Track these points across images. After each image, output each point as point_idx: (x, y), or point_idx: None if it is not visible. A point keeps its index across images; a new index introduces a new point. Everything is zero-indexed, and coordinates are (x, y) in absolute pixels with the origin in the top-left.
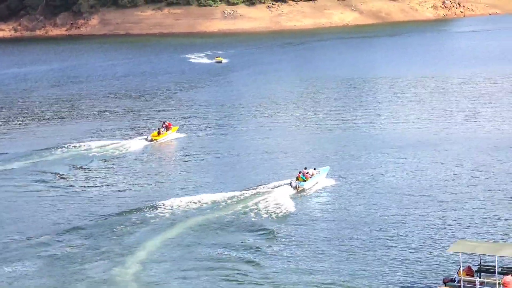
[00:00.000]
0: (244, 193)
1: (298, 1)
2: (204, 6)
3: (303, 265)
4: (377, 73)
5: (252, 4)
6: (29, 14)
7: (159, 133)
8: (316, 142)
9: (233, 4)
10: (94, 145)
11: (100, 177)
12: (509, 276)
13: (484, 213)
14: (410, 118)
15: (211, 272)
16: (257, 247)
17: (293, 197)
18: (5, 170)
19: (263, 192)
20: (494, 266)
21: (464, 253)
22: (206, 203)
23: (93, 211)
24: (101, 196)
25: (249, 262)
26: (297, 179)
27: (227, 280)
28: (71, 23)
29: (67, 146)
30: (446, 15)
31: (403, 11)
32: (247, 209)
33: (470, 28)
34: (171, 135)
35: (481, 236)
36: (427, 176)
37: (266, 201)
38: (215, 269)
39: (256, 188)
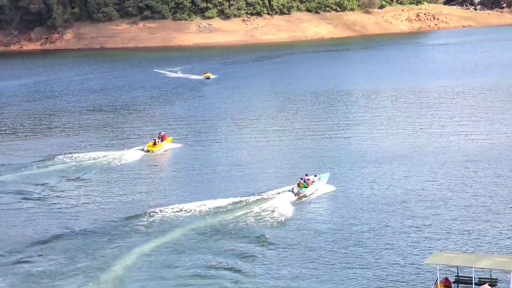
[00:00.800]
0: (246, 200)
1: (273, 14)
2: (179, 20)
3: (283, 272)
4: (352, 86)
5: (227, 17)
6: (4, 29)
7: (155, 143)
8: (295, 154)
9: (208, 18)
10: (89, 157)
11: (92, 189)
12: (485, 286)
13: (461, 224)
14: (385, 130)
15: (194, 281)
16: (252, 253)
17: (295, 203)
18: None
19: (265, 199)
20: (471, 277)
21: (441, 264)
22: (206, 210)
23: (75, 223)
24: (88, 208)
25: (240, 269)
26: (299, 185)
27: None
28: (46, 38)
29: (54, 159)
30: (421, 27)
31: (377, 24)
32: (249, 215)
33: (444, 40)
34: (166, 146)
35: (459, 247)
36: (403, 188)
37: (268, 207)
38: (203, 277)
39: (258, 195)
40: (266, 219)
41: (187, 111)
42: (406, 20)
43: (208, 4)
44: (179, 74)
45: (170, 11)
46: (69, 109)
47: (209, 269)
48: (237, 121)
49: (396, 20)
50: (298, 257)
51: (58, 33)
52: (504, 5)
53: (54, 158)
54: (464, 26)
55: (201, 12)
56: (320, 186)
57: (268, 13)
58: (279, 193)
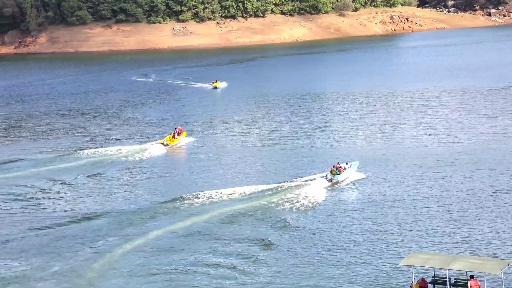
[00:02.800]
0: (280, 186)
1: (248, 17)
2: (154, 23)
3: (297, 259)
4: (326, 88)
5: (202, 20)
6: None
7: (173, 137)
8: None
9: (183, 21)
10: (113, 151)
11: (128, 179)
12: (471, 281)
13: (437, 226)
14: (359, 133)
15: (213, 266)
16: (279, 239)
17: (329, 189)
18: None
19: (300, 185)
20: (448, 278)
21: (416, 266)
22: (242, 195)
23: (115, 206)
24: (126, 195)
25: (263, 254)
26: (331, 172)
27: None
28: (19, 41)
29: (76, 154)
30: (395, 30)
31: (352, 27)
32: (284, 200)
33: (417, 43)
34: (183, 140)
35: (435, 248)
36: (378, 191)
37: (304, 193)
38: (223, 262)
39: (292, 181)
40: (302, 203)
41: (184, 111)
42: (380, 22)
43: (183, 7)
44: (200, 84)
45: (144, 14)
46: (80, 108)
47: (234, 253)
48: (241, 118)
49: (370, 22)
50: (318, 245)
51: (32, 37)
52: (477, 7)
53: (77, 153)
54: (437, 29)
55: (176, 15)
56: (351, 173)
57: (242, 16)
58: (313, 180)
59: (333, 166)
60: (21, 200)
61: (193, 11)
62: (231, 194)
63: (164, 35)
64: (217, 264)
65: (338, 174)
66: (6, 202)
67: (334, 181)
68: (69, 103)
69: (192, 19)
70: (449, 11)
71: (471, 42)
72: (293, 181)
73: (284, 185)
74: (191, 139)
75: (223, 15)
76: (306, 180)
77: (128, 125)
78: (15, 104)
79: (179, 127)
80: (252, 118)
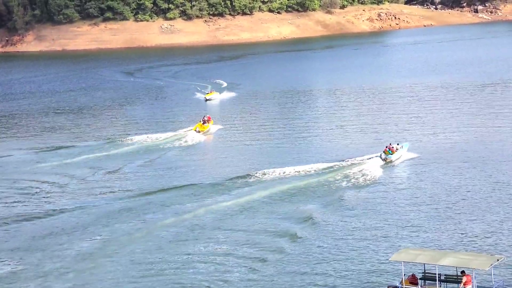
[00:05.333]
0: (338, 164)
1: (235, 15)
2: (141, 21)
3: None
4: (314, 85)
5: (189, 18)
6: None
7: (204, 123)
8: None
9: (170, 19)
10: (151, 139)
11: (178, 163)
12: (464, 278)
13: (429, 221)
14: (348, 129)
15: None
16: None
17: (384, 167)
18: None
19: (358, 163)
20: (438, 274)
21: (406, 262)
22: (303, 172)
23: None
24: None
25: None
26: (385, 152)
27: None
28: (7, 40)
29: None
30: (382, 27)
31: (339, 24)
32: (342, 177)
33: (405, 40)
34: (212, 127)
35: (426, 244)
36: (370, 186)
37: (360, 170)
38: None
39: (348, 160)
40: (360, 178)
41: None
42: (367, 20)
43: (170, 5)
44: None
45: (131, 12)
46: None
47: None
48: (242, 109)
49: (357, 20)
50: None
51: (19, 35)
52: (464, 4)
53: (123, 140)
54: (425, 26)
55: (163, 13)
56: (403, 153)
57: (230, 14)
58: (369, 159)
59: (386, 147)
60: (66, 183)
61: (180, 9)
62: (290, 172)
63: (152, 33)
64: (265, 237)
65: (391, 154)
66: (63, 184)
67: (388, 160)
68: (59, 100)
69: (179, 17)
70: (436, 8)
71: (459, 38)
72: (351, 160)
73: (343, 164)
74: (219, 126)
75: (211, 12)
76: (363, 159)
77: (146, 117)
78: (16, 100)
79: (207, 115)
80: (291, 108)
